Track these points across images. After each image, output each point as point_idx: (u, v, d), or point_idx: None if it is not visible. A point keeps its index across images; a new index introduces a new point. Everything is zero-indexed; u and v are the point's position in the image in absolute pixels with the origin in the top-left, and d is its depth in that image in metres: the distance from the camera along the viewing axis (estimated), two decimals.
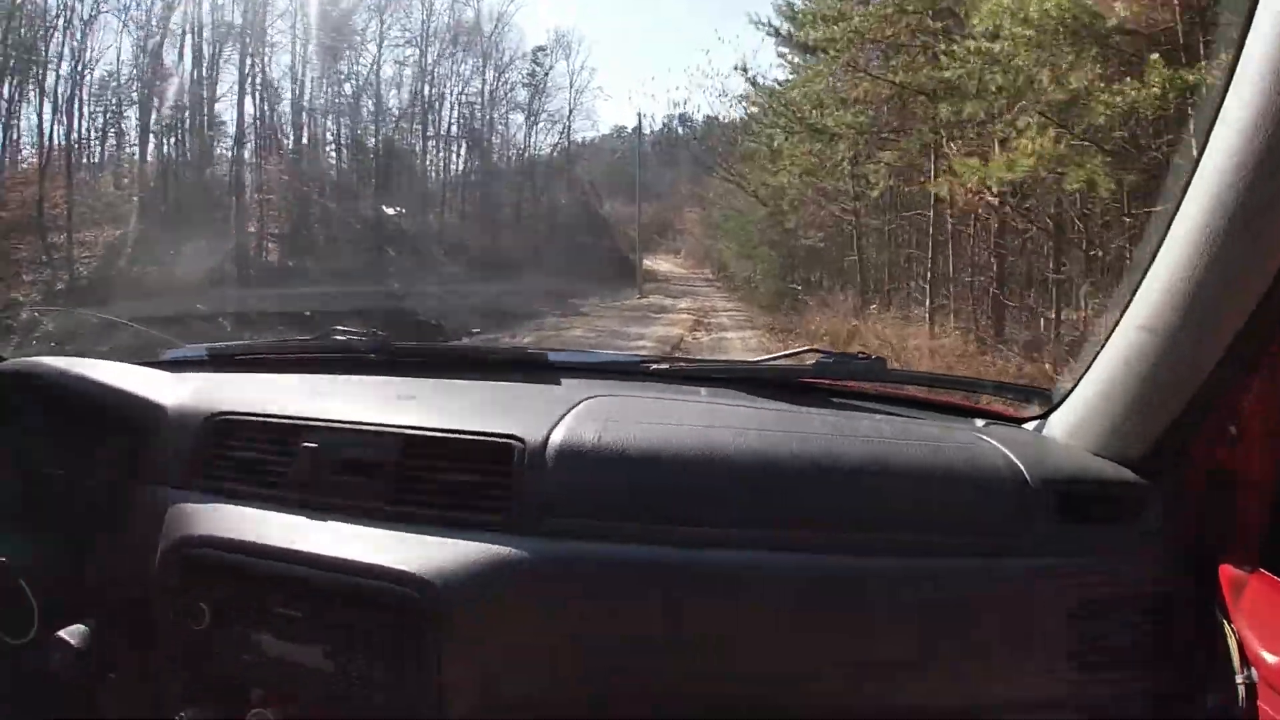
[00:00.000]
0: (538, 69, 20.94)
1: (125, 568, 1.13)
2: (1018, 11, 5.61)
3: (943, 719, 1.03)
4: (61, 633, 1.10)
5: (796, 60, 11.93)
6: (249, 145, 15.14)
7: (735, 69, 11.84)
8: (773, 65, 13.79)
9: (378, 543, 1.01)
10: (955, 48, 6.76)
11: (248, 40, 14.74)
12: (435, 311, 12.27)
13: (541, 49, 20.89)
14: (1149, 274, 0.96)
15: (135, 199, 13.04)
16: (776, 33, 10.71)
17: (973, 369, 6.98)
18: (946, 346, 7.71)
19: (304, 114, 15.96)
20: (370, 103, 17.31)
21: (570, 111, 21.90)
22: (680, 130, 20.66)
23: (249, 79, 14.86)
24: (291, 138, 15.93)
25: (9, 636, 1.12)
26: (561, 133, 22.24)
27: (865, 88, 8.73)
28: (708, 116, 19.89)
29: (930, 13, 7.79)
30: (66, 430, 1.27)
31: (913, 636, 1.00)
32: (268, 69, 15.43)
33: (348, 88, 16.91)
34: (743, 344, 10.71)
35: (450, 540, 1.00)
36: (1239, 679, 0.92)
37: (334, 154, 17.18)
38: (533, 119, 21.33)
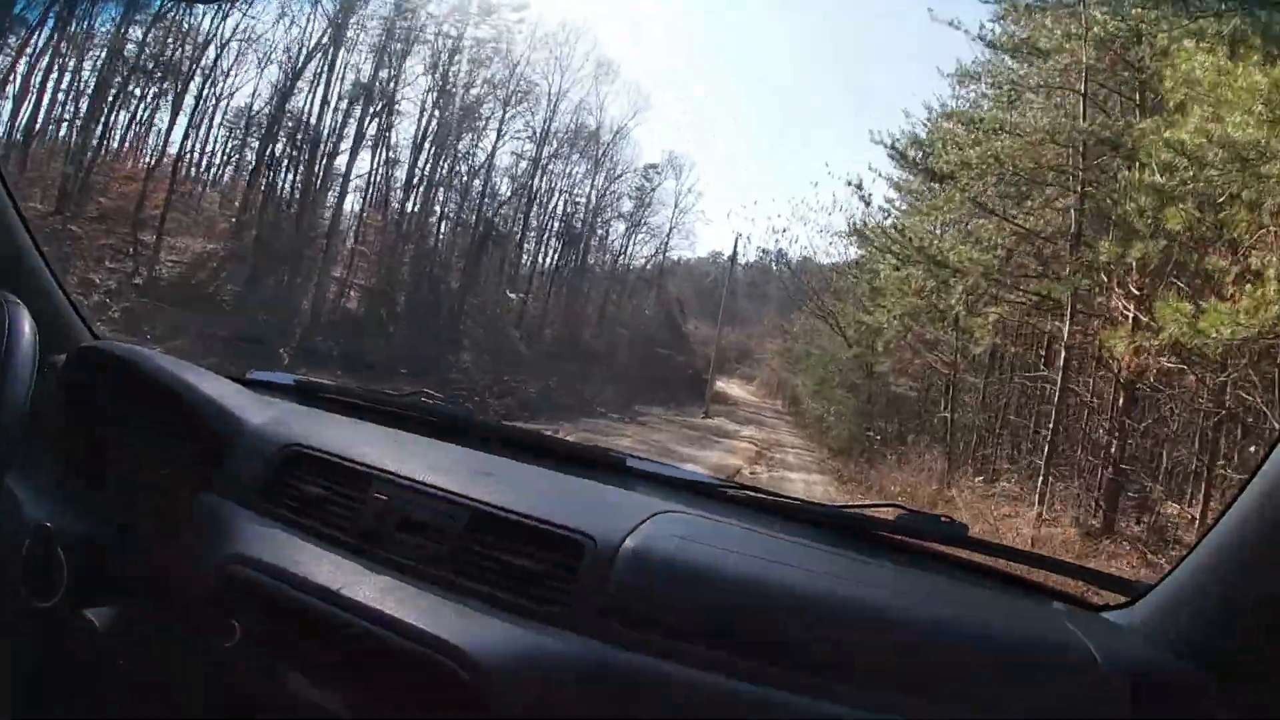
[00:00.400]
0: (646, 185, 21.19)
1: (170, 566, 1.14)
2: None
3: None
4: (87, 610, 1.13)
5: (918, 187, 11.18)
6: (351, 196, 15.78)
7: (849, 184, 11.17)
8: (885, 198, 13.26)
9: (429, 607, 1.00)
10: (1122, 179, 5.67)
11: (376, 97, 15.35)
12: (489, 391, 12.69)
13: (653, 166, 21.12)
14: (1255, 477, 0.99)
15: (234, 220, 13.76)
16: (900, 155, 9.98)
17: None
18: (1054, 536, 6.25)
19: (415, 181, 16.48)
20: (479, 184, 17.78)
21: (670, 229, 22.02)
22: (775, 266, 20.30)
23: (368, 134, 15.45)
24: (399, 199, 16.48)
25: (34, 597, 1.14)
26: (659, 247, 22.48)
27: (992, 228, 7.69)
28: (804, 256, 19.74)
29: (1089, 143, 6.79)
30: (145, 420, 1.31)
31: None
32: (392, 131, 16.00)
33: (463, 167, 17.40)
34: (806, 488, 9.73)
35: (503, 622, 0.99)
36: None
37: (437, 225, 17.64)
38: (633, 229, 21.59)
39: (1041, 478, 7.64)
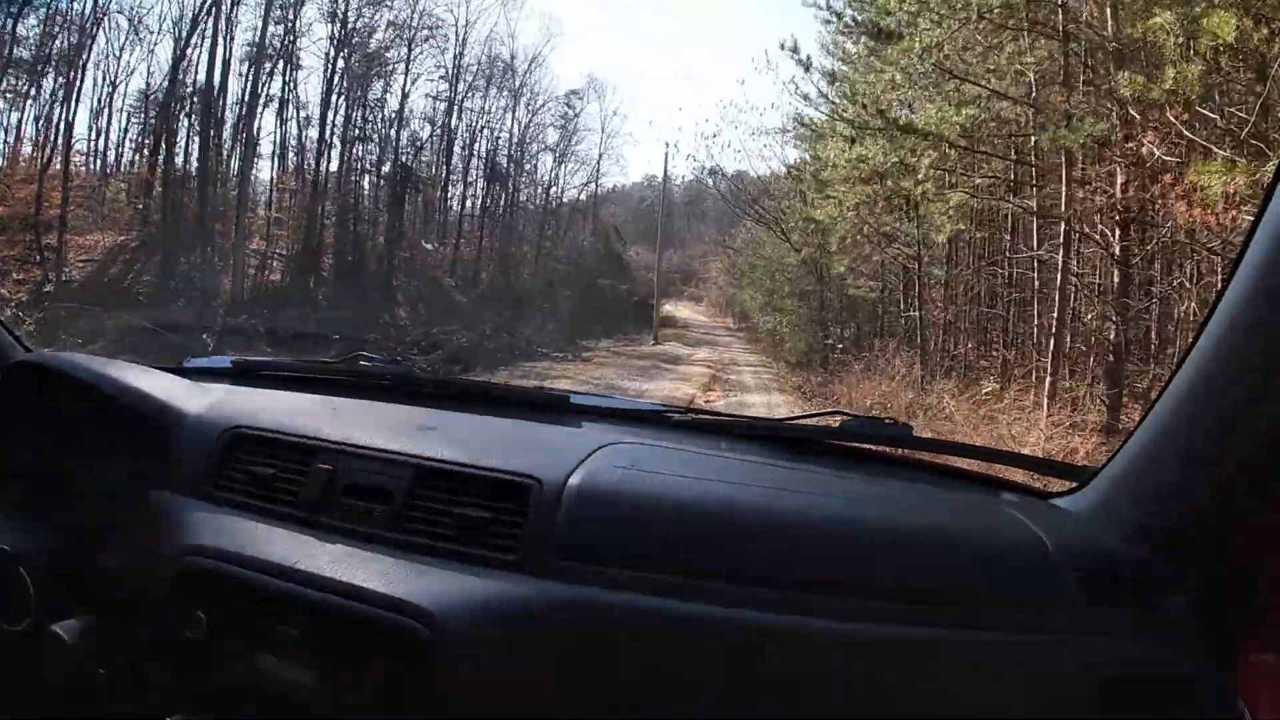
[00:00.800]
0: (569, 111, 20.14)
1: (129, 568, 1.14)
2: None
3: None
4: (55, 626, 1.13)
5: (862, 51, 9.58)
6: (262, 163, 14.98)
7: (782, 48, 9.68)
8: (823, 71, 11.19)
9: (383, 569, 1.00)
10: None
11: (275, 54, 14.35)
12: (415, 347, 11.94)
13: (575, 92, 20.08)
14: (1199, 344, 0.98)
15: (141, 206, 13.05)
16: (838, 15, 8.54)
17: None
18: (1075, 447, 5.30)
19: (327, 138, 15.39)
20: (395, 132, 16.60)
21: (600, 155, 20.91)
22: (710, 180, 19.23)
23: (270, 95, 14.50)
24: (312, 161, 15.39)
25: (4, 622, 1.16)
26: (590, 175, 21.33)
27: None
28: (738, 170, 18.45)
29: None
30: (85, 427, 1.29)
31: (923, 708, 0.98)
32: (296, 88, 15.03)
33: (376, 116, 16.29)
34: (768, 410, 8.76)
35: (457, 574, 1.00)
36: None
37: (355, 180, 16.50)
38: (561, 160, 20.46)
39: (1050, 375, 6.51)
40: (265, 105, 14.49)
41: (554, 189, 20.51)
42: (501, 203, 19.15)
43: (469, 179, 18.52)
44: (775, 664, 0.98)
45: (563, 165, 20.38)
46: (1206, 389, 0.98)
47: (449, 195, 18.42)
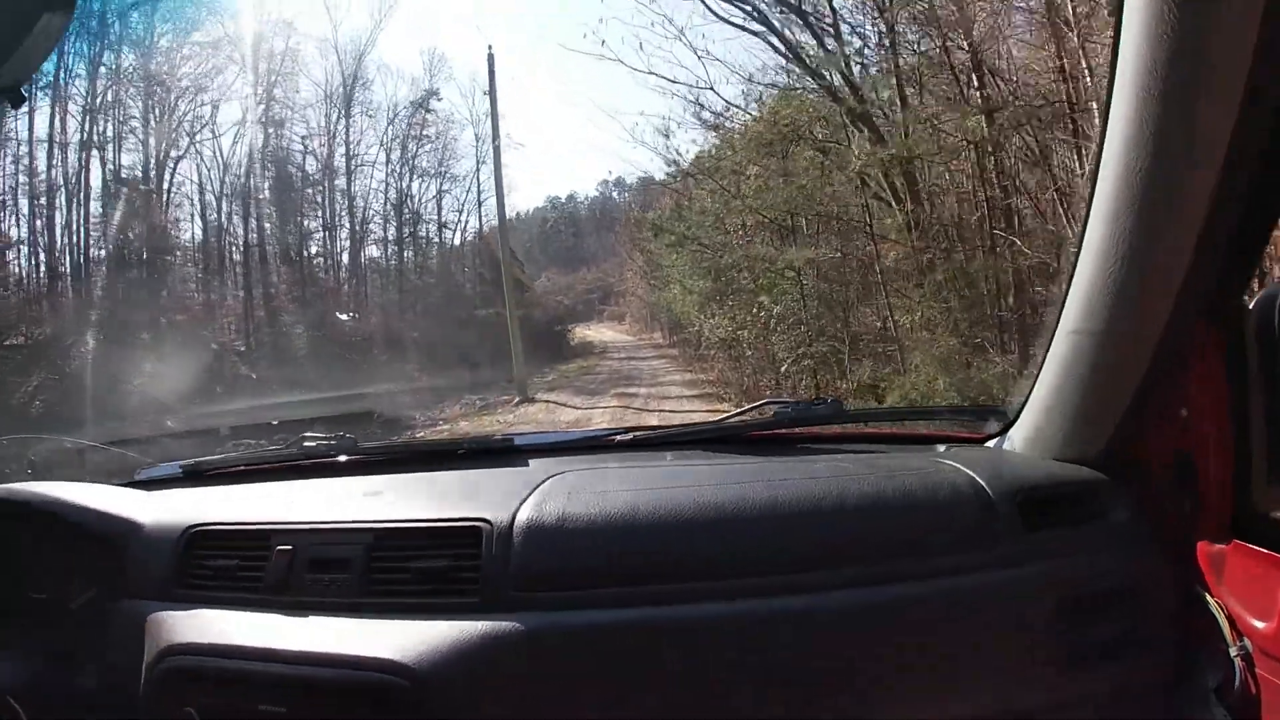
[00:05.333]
0: (431, 116, 17.14)
1: (113, 681, 1.16)
2: None
3: None
4: None
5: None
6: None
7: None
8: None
9: (354, 633, 1.04)
10: None
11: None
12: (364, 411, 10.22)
13: (433, 93, 17.09)
14: (1074, 279, 1.05)
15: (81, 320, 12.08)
16: None
17: None
18: None
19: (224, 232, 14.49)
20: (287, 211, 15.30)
21: (479, 163, 17.72)
22: (617, 195, 16.61)
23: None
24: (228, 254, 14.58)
25: None
26: (471, 191, 18.17)
27: None
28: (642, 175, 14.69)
29: None
30: (48, 552, 1.32)
31: (893, 663, 1.02)
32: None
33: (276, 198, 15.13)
34: None
35: (426, 624, 1.03)
36: (1233, 651, 0.97)
37: (271, 268, 15.15)
38: (441, 181, 17.68)
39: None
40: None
41: (438, 227, 18.03)
42: (393, 254, 17.33)
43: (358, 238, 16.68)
44: (741, 647, 1.01)
45: (446, 191, 17.78)
46: (1095, 306, 1.02)
47: (360, 262, 16.75)
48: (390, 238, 17.05)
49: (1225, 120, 0.83)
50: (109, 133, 12.68)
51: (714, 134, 9.65)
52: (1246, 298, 1.01)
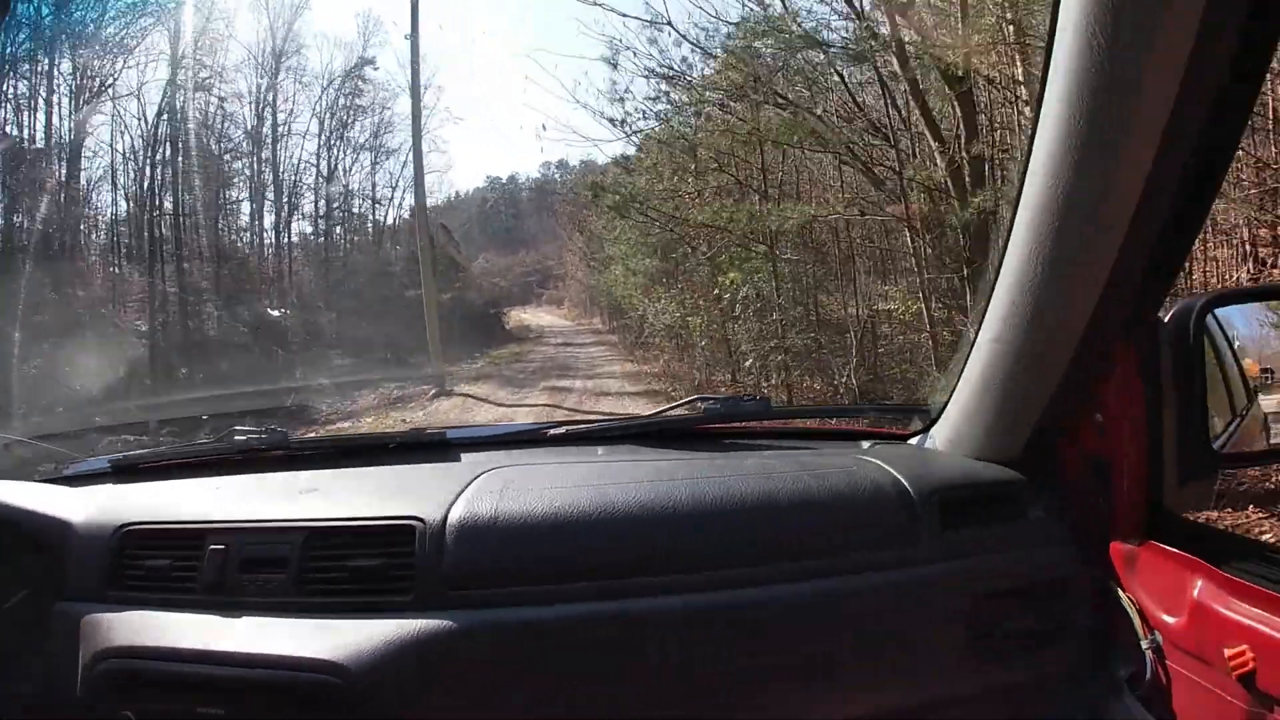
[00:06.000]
0: (364, 85, 16.03)
1: (49, 685, 1.15)
2: None
3: None
4: None
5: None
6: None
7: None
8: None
9: (289, 633, 1.04)
10: None
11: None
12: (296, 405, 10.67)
13: (368, 61, 15.99)
14: (995, 289, 1.06)
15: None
16: None
17: None
18: None
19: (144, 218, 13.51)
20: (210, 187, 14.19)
21: (417, 138, 16.46)
22: (559, 177, 17.41)
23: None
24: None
25: None
26: (405, 163, 17.00)
27: None
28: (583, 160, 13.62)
29: None
30: None
31: (817, 659, 1.06)
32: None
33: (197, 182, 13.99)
34: None
35: (361, 623, 1.04)
36: (1144, 644, 1.02)
37: (195, 251, 14.12)
38: (375, 151, 16.61)
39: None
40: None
41: (372, 203, 16.97)
42: (319, 225, 16.26)
43: (284, 203, 15.59)
44: (667, 642, 1.03)
45: (380, 163, 16.71)
46: (1013, 319, 1.04)
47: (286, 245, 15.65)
48: (319, 213, 16.18)
49: (1147, 147, 0.85)
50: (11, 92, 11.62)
51: (668, 87, 8.01)
52: (1161, 312, 1.07)
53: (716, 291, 8.02)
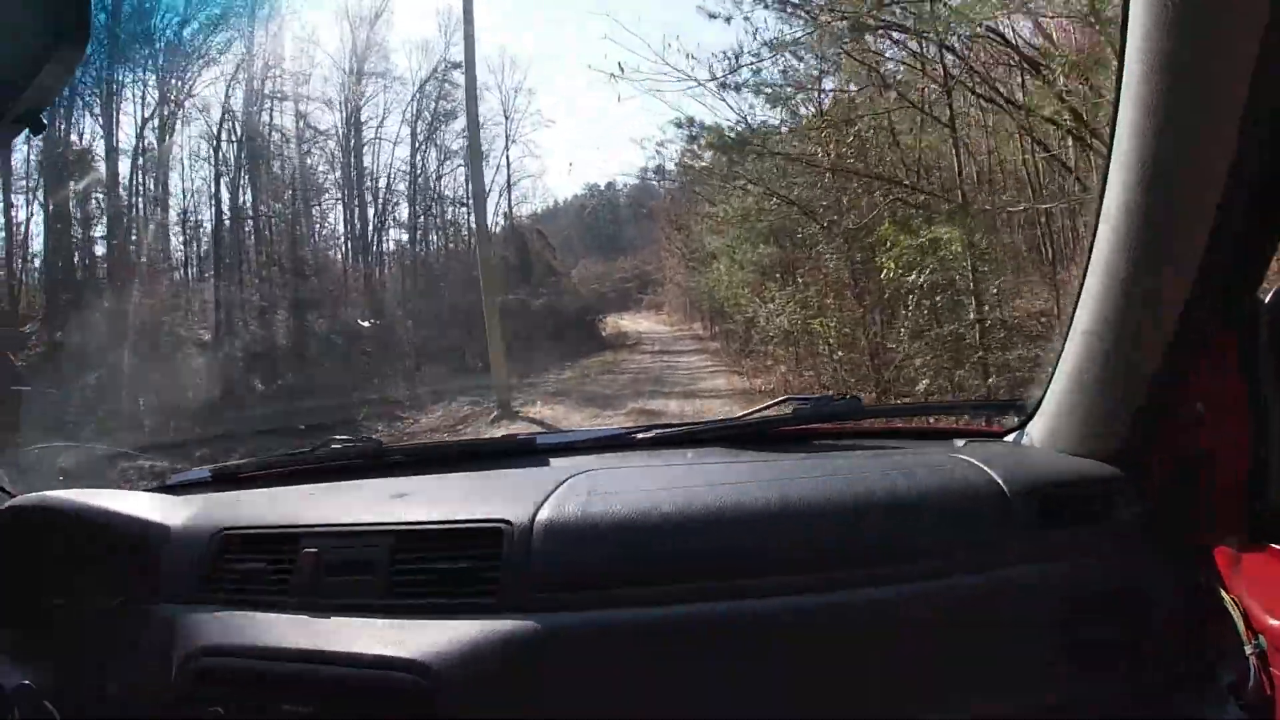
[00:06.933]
0: (448, 86, 15.87)
1: (144, 683, 1.18)
2: None
3: None
4: None
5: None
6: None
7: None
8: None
9: (377, 634, 1.07)
10: None
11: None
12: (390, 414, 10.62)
13: (454, 65, 15.64)
14: (1086, 279, 1.04)
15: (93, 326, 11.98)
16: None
17: None
18: None
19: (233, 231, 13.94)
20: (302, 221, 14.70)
21: (509, 141, 16.78)
22: (657, 183, 15.48)
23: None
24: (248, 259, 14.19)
25: None
26: (505, 173, 17.21)
27: None
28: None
29: None
30: (81, 557, 1.34)
31: (907, 661, 1.03)
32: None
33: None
34: None
35: (446, 625, 1.05)
36: (1248, 649, 0.96)
37: (282, 266, 14.58)
38: (454, 157, 16.46)
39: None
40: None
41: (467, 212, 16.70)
42: (415, 235, 16.45)
43: (371, 213, 15.85)
44: (756, 646, 1.01)
45: (448, 168, 16.59)
46: (1106, 308, 1.01)
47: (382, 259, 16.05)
48: (406, 223, 16.41)
49: (1229, 123, 0.82)
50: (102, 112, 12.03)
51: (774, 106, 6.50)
52: (1260, 293, 1.01)
53: (861, 284, 6.05)
